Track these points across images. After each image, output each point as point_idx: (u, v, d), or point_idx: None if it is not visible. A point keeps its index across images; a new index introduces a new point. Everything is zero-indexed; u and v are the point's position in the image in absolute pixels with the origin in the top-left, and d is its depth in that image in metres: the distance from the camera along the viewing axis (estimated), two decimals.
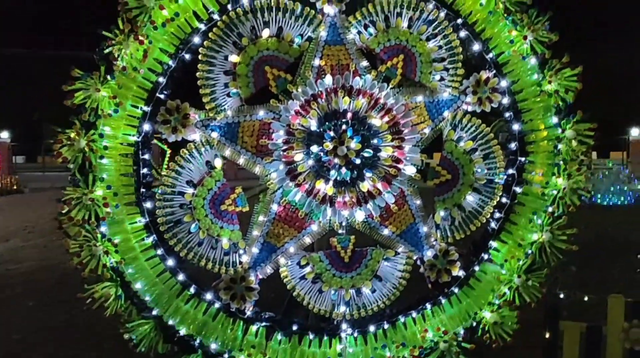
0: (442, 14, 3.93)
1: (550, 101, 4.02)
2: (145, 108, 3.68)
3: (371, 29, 3.92)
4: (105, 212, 3.62)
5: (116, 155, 3.68)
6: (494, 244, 4.08)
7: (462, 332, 4.02)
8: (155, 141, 3.88)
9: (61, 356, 5.31)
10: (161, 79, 3.68)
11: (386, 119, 3.59)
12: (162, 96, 3.69)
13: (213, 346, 3.82)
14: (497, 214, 4.08)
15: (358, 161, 3.54)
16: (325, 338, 3.93)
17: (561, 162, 4.04)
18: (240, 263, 3.84)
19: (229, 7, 3.70)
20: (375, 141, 3.57)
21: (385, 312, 4.00)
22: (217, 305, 3.84)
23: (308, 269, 3.92)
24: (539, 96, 4.01)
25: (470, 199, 4.05)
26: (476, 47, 3.99)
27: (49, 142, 3.76)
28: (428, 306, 4.02)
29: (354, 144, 3.51)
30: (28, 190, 22.77)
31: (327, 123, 3.55)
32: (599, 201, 17.50)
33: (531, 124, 4.07)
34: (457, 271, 4.01)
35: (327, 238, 3.97)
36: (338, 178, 3.56)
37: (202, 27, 3.70)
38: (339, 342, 3.92)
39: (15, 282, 8.13)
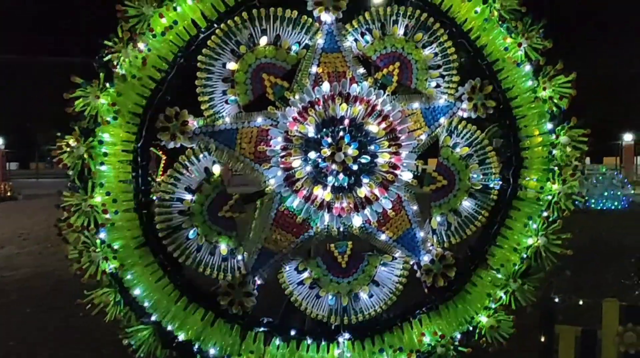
0: (438, 22, 3.97)
1: (544, 107, 4.06)
2: (144, 115, 3.70)
3: (368, 37, 3.96)
4: (104, 218, 3.64)
5: (115, 162, 3.69)
6: (490, 249, 4.11)
7: (458, 336, 4.05)
8: (151, 148, 3.90)
9: None
10: (160, 87, 3.70)
11: (383, 125, 3.63)
12: (160, 103, 3.71)
13: (212, 351, 3.84)
14: (493, 219, 4.12)
15: (355, 167, 3.57)
16: (323, 343, 3.96)
17: (556, 168, 4.08)
18: (239, 268, 3.86)
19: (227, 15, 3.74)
20: (372, 147, 3.61)
21: (382, 317, 4.02)
22: (215, 310, 3.85)
23: (306, 274, 3.94)
24: (533, 102, 4.06)
25: (466, 204, 4.09)
26: (471, 54, 4.03)
27: (49, 148, 3.78)
28: (425, 310, 4.05)
29: (351, 151, 3.55)
30: (22, 197, 22.68)
31: (324, 130, 3.59)
32: (593, 205, 17.60)
33: (526, 131, 4.11)
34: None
35: (324, 243, 4.00)
36: (336, 184, 3.59)
37: (201, 35, 3.73)
38: (337, 347, 3.94)
39: (10, 289, 8.12)
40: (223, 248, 3.81)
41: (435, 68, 4.04)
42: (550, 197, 4.07)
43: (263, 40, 3.79)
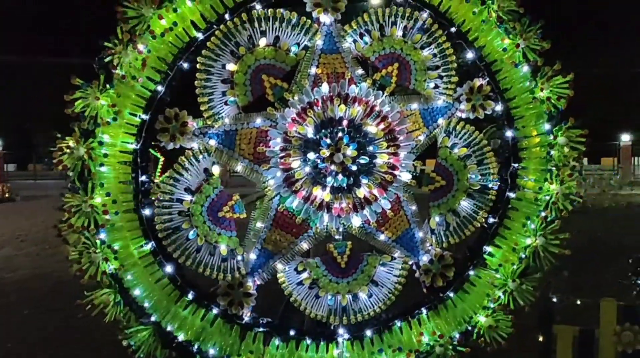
0: (436, 23, 3.99)
1: (542, 107, 4.08)
2: (144, 116, 3.72)
3: (366, 38, 3.97)
4: (104, 219, 3.65)
5: (115, 163, 3.70)
6: (488, 249, 4.13)
7: (457, 336, 4.06)
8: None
9: None
10: (160, 88, 3.72)
11: (382, 126, 3.65)
12: (160, 104, 3.73)
13: (211, 352, 3.84)
14: (491, 219, 4.14)
15: (354, 168, 3.59)
16: (322, 343, 3.97)
17: (553, 168, 4.10)
18: (238, 269, 3.87)
19: (227, 16, 3.75)
20: (371, 148, 3.63)
21: (381, 317, 4.04)
22: (215, 310, 3.86)
23: (305, 275, 3.95)
24: (531, 103, 4.08)
25: (465, 204, 4.11)
26: (469, 55, 4.06)
27: (49, 150, 3.78)
28: (424, 310, 4.06)
29: (350, 151, 3.56)
30: (19, 198, 22.67)
31: (323, 131, 3.60)
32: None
33: (524, 131, 4.13)
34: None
35: (323, 243, 4.01)
36: (335, 185, 3.61)
37: (200, 36, 3.74)
38: (336, 347, 3.96)
39: (9, 290, 8.13)
40: (223, 248, 3.82)
41: (433, 69, 4.05)
42: (548, 197, 4.08)
43: (262, 42, 3.80)
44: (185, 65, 3.74)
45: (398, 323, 4.04)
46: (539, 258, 4.07)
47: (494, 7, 3.97)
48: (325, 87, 3.68)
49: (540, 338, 4.19)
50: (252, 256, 3.88)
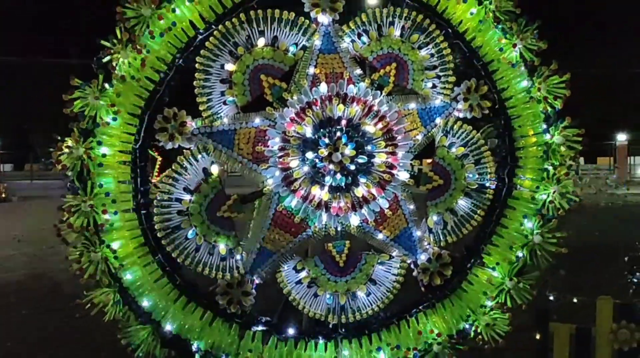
0: (434, 24, 4.01)
1: (539, 107, 4.11)
2: (143, 116, 3.73)
3: (364, 38, 3.99)
4: (103, 219, 3.66)
5: (114, 163, 3.72)
6: (485, 247, 4.15)
7: (455, 334, 4.08)
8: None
9: None
10: (159, 88, 3.73)
11: (380, 126, 3.66)
12: (159, 104, 3.74)
13: (210, 350, 3.86)
14: (489, 218, 4.16)
15: (352, 167, 3.60)
16: (321, 342, 3.99)
17: (550, 167, 4.12)
18: (237, 268, 3.89)
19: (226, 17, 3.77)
20: (369, 147, 3.63)
21: (379, 315, 4.06)
22: (214, 309, 3.88)
23: (304, 273, 3.97)
24: (528, 102, 4.10)
25: (462, 203, 4.13)
26: (467, 55, 4.07)
27: (49, 150, 3.79)
28: (422, 308, 4.08)
29: (348, 151, 3.57)
30: (16, 198, 22.64)
31: (321, 130, 3.61)
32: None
33: (520, 131, 4.15)
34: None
35: (322, 242, 4.03)
36: (333, 184, 3.62)
37: (199, 36, 3.76)
38: (335, 346, 3.97)
39: (7, 291, 8.13)
40: (222, 247, 3.83)
41: (431, 69, 4.07)
42: (545, 196, 4.11)
43: (261, 42, 3.81)
44: (184, 65, 3.75)
45: (396, 322, 4.05)
46: (536, 257, 4.09)
47: (491, 8, 3.99)
48: (323, 87, 3.69)
49: (537, 337, 4.21)
50: (251, 255, 3.89)
